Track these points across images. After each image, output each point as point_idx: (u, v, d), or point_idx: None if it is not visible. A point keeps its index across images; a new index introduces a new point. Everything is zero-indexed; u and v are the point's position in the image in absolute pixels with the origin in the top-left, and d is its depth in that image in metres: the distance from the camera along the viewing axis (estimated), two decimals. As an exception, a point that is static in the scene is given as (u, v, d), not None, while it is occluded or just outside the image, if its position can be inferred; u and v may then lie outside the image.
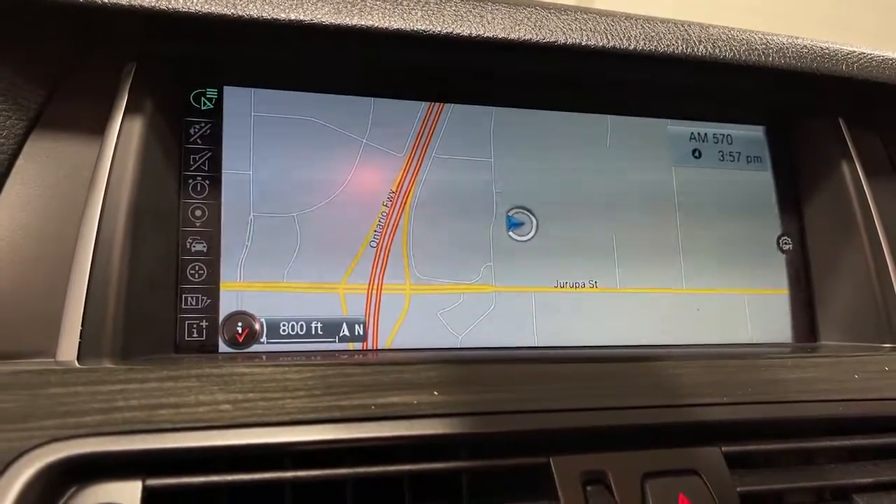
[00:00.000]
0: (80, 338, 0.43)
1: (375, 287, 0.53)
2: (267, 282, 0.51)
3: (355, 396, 0.40)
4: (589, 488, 0.41)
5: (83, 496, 0.35)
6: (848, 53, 0.58)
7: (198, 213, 0.51)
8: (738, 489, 0.43)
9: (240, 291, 0.50)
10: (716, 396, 0.46)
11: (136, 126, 0.47)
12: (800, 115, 0.65)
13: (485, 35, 0.49)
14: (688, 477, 0.42)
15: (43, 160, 0.46)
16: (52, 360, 0.43)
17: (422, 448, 0.40)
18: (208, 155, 0.52)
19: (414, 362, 0.42)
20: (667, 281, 0.60)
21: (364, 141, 0.55)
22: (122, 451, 0.36)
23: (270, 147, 0.53)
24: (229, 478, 0.37)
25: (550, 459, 0.41)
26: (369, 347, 0.52)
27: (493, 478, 0.42)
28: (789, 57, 0.56)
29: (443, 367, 0.42)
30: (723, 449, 0.44)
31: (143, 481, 0.36)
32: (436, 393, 0.41)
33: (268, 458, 0.38)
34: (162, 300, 0.48)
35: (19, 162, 0.46)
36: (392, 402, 0.40)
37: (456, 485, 0.41)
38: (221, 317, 0.50)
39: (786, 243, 0.64)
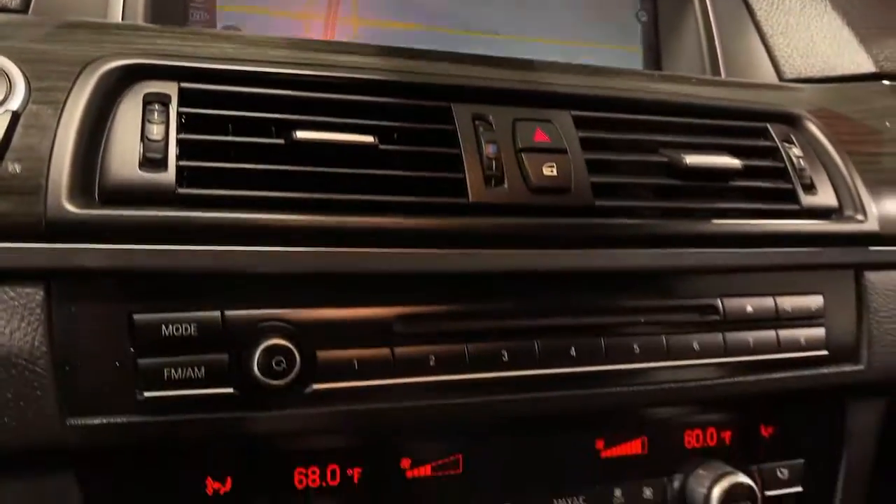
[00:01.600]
0: (123, 8, 0.61)
1: (331, 17, 0.72)
2: (256, 6, 0.69)
3: (322, 52, 0.59)
4: (476, 122, 0.60)
5: (139, 87, 0.52)
6: None
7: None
8: (579, 134, 0.63)
9: (235, 11, 0.69)
10: (572, 79, 0.66)
11: None
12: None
13: None
14: (545, 123, 0.62)
15: None
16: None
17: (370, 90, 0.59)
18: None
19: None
20: (554, 35, 0.80)
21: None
22: (164, 65, 0.53)
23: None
24: (231, 88, 0.55)
25: (451, 105, 0.60)
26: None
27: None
28: None
29: (382, 48, 0.62)
30: (572, 113, 0.64)
31: (178, 83, 0.54)
32: (377, 59, 0.60)
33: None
34: (177, 9, 0.66)
35: None
36: (342, 59, 0.59)
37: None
38: (218, 27, 0.68)
39: (642, 16, 0.85)
